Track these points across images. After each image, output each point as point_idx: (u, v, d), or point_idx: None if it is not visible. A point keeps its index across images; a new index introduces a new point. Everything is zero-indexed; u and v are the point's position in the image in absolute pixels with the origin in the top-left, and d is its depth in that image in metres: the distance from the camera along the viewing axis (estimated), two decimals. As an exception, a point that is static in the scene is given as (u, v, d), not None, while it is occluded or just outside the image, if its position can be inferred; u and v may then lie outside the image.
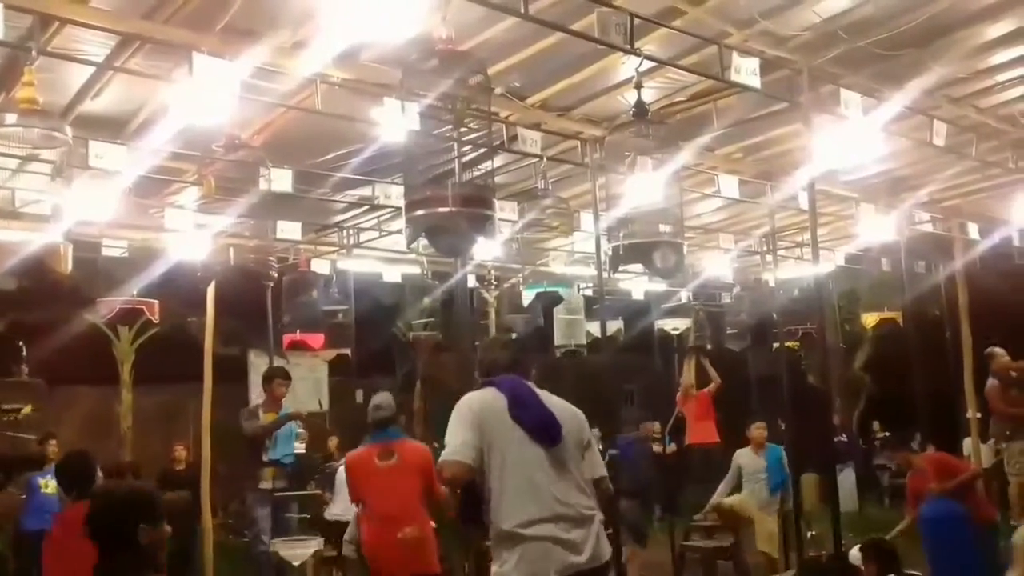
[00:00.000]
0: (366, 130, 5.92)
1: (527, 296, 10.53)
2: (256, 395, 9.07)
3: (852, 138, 5.86)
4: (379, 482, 5.41)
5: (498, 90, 5.70)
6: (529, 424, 3.57)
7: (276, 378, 7.90)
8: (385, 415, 5.64)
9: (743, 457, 8.11)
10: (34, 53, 4.28)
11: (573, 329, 11.04)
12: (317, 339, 10.30)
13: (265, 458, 7.55)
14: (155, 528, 2.99)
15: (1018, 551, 5.09)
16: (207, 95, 4.67)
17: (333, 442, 11.27)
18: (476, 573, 6.59)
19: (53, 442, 8.67)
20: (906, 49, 5.43)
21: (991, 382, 8.67)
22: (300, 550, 7.05)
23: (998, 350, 8.70)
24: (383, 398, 5.77)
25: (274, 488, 7.57)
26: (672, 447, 12.01)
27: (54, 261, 4.60)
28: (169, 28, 4.77)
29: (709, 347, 11.58)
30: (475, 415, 3.57)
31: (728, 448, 11.26)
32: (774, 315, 9.34)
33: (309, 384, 11.77)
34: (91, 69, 5.36)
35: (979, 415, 9.20)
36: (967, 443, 10.10)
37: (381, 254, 9.86)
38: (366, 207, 8.48)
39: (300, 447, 7.76)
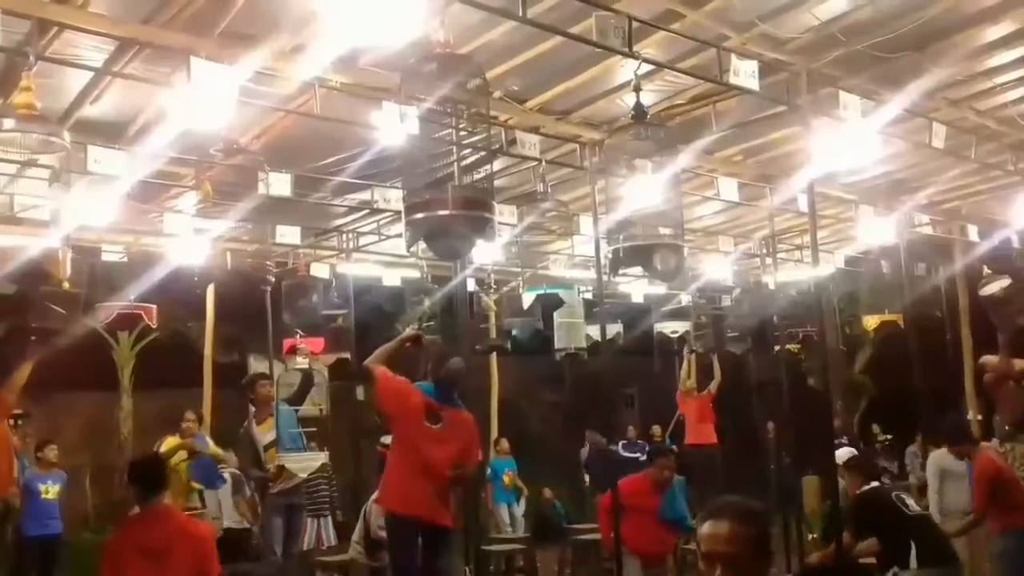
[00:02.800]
0: (365, 134, 5.92)
1: (527, 299, 10.51)
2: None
3: (851, 141, 5.86)
4: (423, 441, 5.57)
5: (497, 94, 5.69)
6: None
7: (257, 381, 7.86)
8: (457, 377, 5.74)
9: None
10: (32, 58, 4.28)
11: (573, 332, 11.02)
12: (317, 343, 10.28)
13: (272, 466, 7.52)
14: None
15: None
16: (205, 100, 4.67)
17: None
18: (476, 572, 6.61)
19: (53, 447, 8.64)
20: (905, 52, 5.44)
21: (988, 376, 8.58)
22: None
23: (990, 359, 8.58)
24: (461, 362, 5.83)
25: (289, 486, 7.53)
26: (673, 449, 12.02)
27: (53, 266, 4.59)
28: (167, 33, 4.77)
29: (712, 346, 11.52)
30: None
31: (726, 450, 11.28)
32: (774, 318, 9.33)
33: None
34: (89, 74, 5.35)
35: (979, 417, 9.18)
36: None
37: (380, 258, 9.86)
38: (365, 211, 8.47)
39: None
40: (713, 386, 11.20)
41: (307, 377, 8.35)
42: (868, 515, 5.63)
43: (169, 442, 7.83)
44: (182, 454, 7.66)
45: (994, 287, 7.73)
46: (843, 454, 6.28)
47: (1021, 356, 7.86)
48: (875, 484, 5.74)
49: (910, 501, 5.69)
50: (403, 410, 5.63)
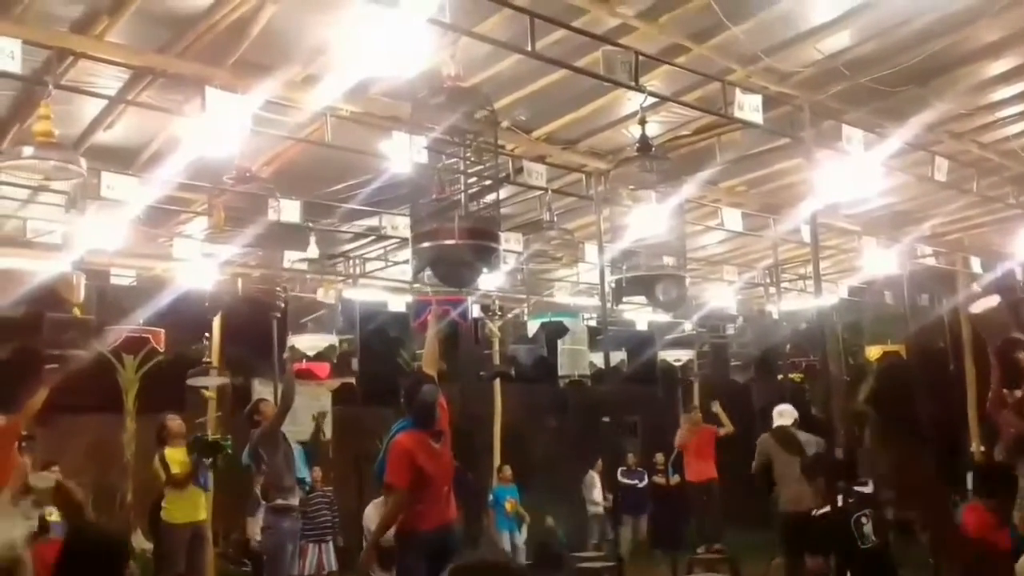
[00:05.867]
0: (374, 162, 5.99)
1: (531, 326, 10.55)
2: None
3: (854, 173, 5.91)
4: (438, 460, 5.68)
5: (504, 123, 5.77)
6: None
7: (259, 403, 7.85)
8: (433, 403, 5.74)
9: None
10: (50, 87, 4.36)
11: (577, 359, 11.02)
12: (323, 368, 10.29)
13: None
14: None
15: None
16: (219, 128, 4.75)
17: (317, 473, 10.56)
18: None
19: (56, 469, 8.65)
20: (907, 86, 5.50)
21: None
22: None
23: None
24: (432, 391, 5.82)
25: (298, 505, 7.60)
26: (676, 478, 11.97)
27: (66, 291, 4.64)
28: (182, 62, 4.85)
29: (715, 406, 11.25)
30: None
31: (725, 483, 11.17)
32: (778, 347, 9.34)
33: (313, 412, 11.74)
34: (104, 101, 5.44)
35: (983, 449, 9.17)
36: (971, 477, 10.02)
37: (387, 284, 9.91)
38: (372, 237, 8.53)
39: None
40: (722, 431, 10.90)
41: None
42: (818, 537, 5.49)
43: (170, 455, 7.87)
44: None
45: (983, 304, 8.02)
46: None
47: (1015, 381, 7.90)
48: (839, 502, 5.36)
49: (868, 529, 5.21)
50: (419, 456, 5.62)
